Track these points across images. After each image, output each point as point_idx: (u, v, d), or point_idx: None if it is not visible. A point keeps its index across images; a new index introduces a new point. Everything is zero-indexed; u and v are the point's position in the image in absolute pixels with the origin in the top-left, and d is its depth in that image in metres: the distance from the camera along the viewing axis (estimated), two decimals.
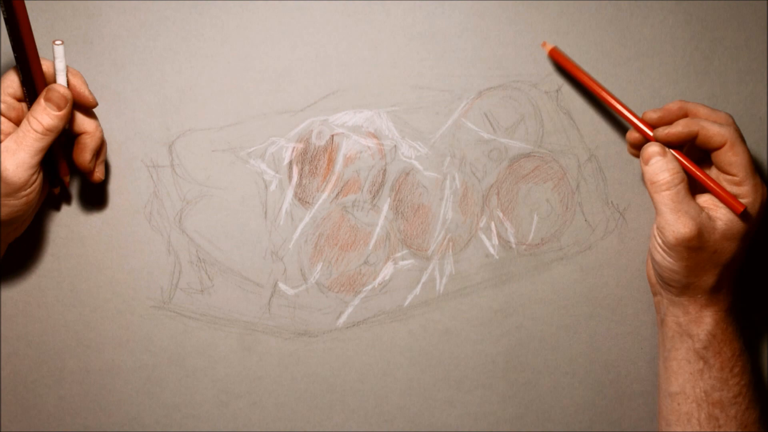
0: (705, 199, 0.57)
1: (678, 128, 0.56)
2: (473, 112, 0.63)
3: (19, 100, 0.55)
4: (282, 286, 0.63)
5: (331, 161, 0.62)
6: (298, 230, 0.62)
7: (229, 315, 0.62)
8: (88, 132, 0.57)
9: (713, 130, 0.55)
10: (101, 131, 0.58)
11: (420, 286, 0.63)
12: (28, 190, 0.54)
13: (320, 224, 0.62)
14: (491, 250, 0.64)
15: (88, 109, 0.57)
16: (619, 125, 0.63)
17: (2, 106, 0.54)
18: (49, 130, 0.54)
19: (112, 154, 0.61)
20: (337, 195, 0.62)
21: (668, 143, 0.57)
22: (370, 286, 0.63)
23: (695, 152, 0.59)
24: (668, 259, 0.57)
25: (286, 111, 0.62)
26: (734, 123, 0.57)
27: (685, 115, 0.58)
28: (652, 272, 0.61)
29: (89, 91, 0.56)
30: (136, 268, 0.62)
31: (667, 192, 0.55)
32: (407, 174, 0.63)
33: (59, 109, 0.54)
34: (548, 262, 0.64)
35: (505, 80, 0.63)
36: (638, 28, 0.63)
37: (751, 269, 0.64)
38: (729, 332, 0.57)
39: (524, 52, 0.63)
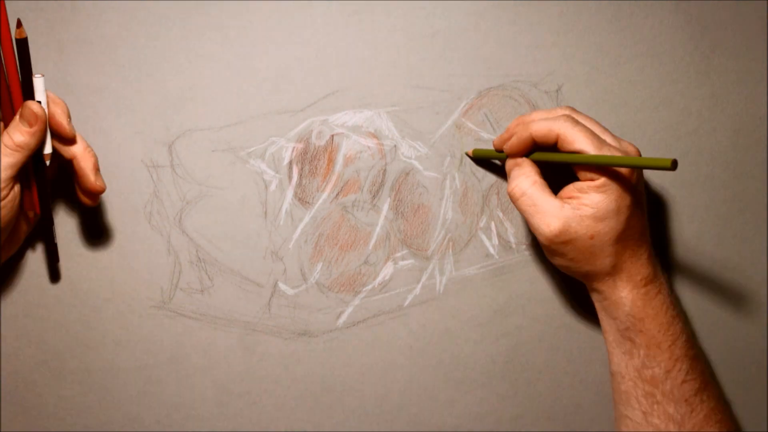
0: (569, 190, 0.56)
1: (513, 141, 0.57)
2: (473, 111, 0.63)
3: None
4: (282, 286, 0.63)
5: (331, 161, 0.62)
6: (298, 230, 0.62)
7: (229, 315, 0.62)
8: (77, 156, 0.56)
9: (542, 129, 0.55)
10: (91, 150, 0.57)
11: (420, 286, 0.63)
12: None
13: (320, 224, 0.62)
14: (491, 250, 0.64)
15: (68, 139, 0.56)
16: (621, 125, 0.63)
17: None
18: (19, 146, 0.54)
19: (112, 154, 0.61)
20: (337, 195, 0.62)
21: (515, 154, 0.58)
22: (370, 286, 0.63)
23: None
24: (552, 257, 0.58)
25: (286, 111, 0.62)
26: (571, 114, 0.56)
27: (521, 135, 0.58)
28: None
29: (68, 121, 0.56)
30: (135, 268, 0.62)
31: (520, 199, 0.56)
32: (407, 174, 0.63)
33: (30, 125, 0.54)
34: (548, 262, 0.64)
35: (505, 80, 0.63)
36: (638, 28, 0.63)
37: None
38: (651, 307, 0.56)
39: (524, 52, 0.63)
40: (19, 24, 0.53)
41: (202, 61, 0.61)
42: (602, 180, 0.54)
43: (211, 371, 0.63)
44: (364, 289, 0.63)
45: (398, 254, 0.63)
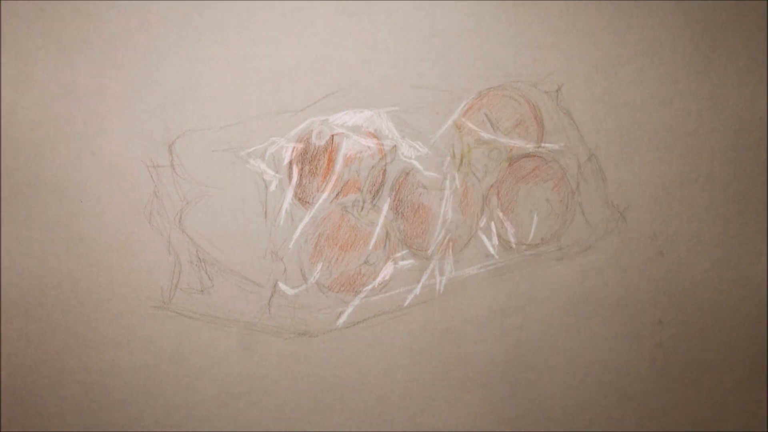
0: None
1: None
2: (473, 112, 0.63)
3: None
4: (282, 286, 0.63)
5: (331, 161, 0.62)
6: (298, 230, 0.62)
7: (229, 315, 0.62)
8: None
9: None
10: None
11: (420, 286, 0.63)
12: None
13: (320, 224, 0.62)
14: (491, 249, 0.64)
15: None
16: (621, 125, 0.63)
17: None
18: None
19: (112, 154, 0.61)
20: (337, 195, 0.62)
21: None
22: (370, 286, 0.63)
23: None
24: None
25: (286, 111, 0.62)
26: None
27: None
28: None
29: None
30: (136, 268, 0.62)
31: None
32: (407, 174, 0.63)
33: None
34: (548, 262, 0.64)
35: (505, 80, 0.63)
36: (638, 29, 0.63)
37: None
38: None
39: (524, 53, 0.63)
40: None
41: (203, 61, 0.61)
42: None
43: (211, 371, 0.63)
44: (364, 289, 0.63)
45: (398, 254, 0.63)
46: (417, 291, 0.63)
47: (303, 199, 0.62)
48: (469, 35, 0.62)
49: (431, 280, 0.63)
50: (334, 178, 0.62)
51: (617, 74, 0.63)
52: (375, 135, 0.62)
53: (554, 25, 0.62)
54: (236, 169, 0.62)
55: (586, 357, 0.64)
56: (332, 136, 0.62)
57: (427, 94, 0.62)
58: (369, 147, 0.62)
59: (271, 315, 0.63)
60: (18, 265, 0.61)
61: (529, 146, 0.63)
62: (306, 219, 0.62)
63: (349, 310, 0.63)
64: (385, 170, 0.63)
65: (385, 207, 0.63)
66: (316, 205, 0.62)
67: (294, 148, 0.62)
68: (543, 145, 0.63)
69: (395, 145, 0.63)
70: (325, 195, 0.62)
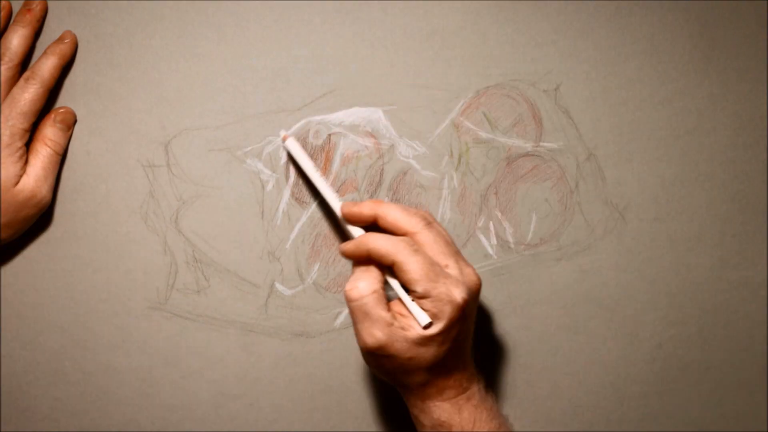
0: (400, 305, 0.54)
1: (350, 247, 0.55)
2: (471, 111, 0.62)
3: None
4: (279, 286, 0.62)
5: (328, 161, 0.62)
6: (296, 230, 0.62)
7: (226, 316, 0.62)
8: None
9: (380, 250, 0.53)
10: None
11: None
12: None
13: (317, 224, 0.62)
14: (490, 250, 0.64)
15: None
16: (620, 124, 0.63)
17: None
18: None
19: (108, 153, 0.61)
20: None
21: (349, 259, 0.56)
22: None
23: None
24: (367, 362, 0.56)
25: (283, 110, 0.61)
26: (420, 231, 0.54)
27: (375, 220, 0.56)
28: None
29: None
30: (131, 268, 0.61)
31: (354, 303, 0.53)
32: (405, 173, 0.63)
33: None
34: (547, 262, 0.64)
35: (503, 79, 0.62)
36: (637, 27, 0.63)
37: None
38: (458, 415, 0.55)
39: (522, 51, 0.62)
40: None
41: (199, 59, 0.61)
42: (434, 311, 0.53)
43: (208, 372, 0.62)
44: None
45: None
46: None
47: (300, 198, 0.62)
48: (467, 34, 0.62)
49: None
50: (331, 177, 0.62)
51: (616, 73, 0.63)
52: (372, 134, 0.62)
53: (553, 23, 0.62)
54: (233, 168, 0.61)
55: (586, 357, 0.64)
56: (329, 135, 0.62)
57: (424, 92, 0.62)
58: (366, 146, 0.62)
59: (268, 316, 0.62)
60: (12, 266, 0.61)
61: (528, 145, 0.63)
62: (303, 219, 0.62)
63: (347, 310, 0.63)
64: (382, 170, 0.62)
65: None
66: (314, 205, 0.62)
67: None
68: (541, 144, 0.63)
69: (393, 145, 0.62)
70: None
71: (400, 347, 0.53)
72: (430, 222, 0.55)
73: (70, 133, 0.60)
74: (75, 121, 0.60)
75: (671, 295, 0.65)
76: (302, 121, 0.62)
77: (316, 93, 0.61)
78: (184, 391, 0.62)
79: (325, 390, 0.63)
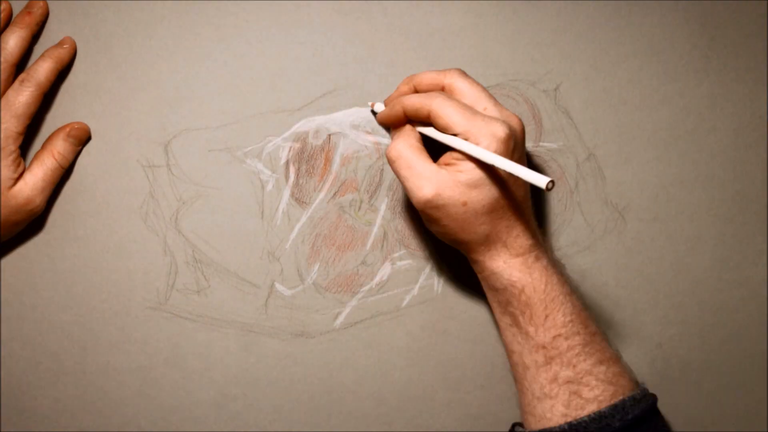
0: (447, 156, 0.55)
1: (386, 112, 0.58)
2: None
3: None
4: (279, 286, 0.62)
5: (328, 160, 0.62)
6: (295, 230, 0.62)
7: (226, 316, 0.62)
8: None
9: (414, 105, 0.55)
10: None
11: (418, 286, 0.63)
12: None
13: (317, 224, 0.62)
14: None
15: None
16: (619, 124, 0.63)
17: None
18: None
19: (108, 153, 0.61)
20: (334, 195, 0.62)
21: (387, 125, 0.59)
22: (367, 287, 0.63)
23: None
24: (429, 224, 0.57)
25: (282, 110, 0.61)
26: (453, 82, 0.56)
27: (415, 90, 0.58)
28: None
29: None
30: (131, 268, 0.61)
31: (396, 162, 0.55)
32: None
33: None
34: None
35: (502, 79, 0.62)
36: (637, 27, 0.63)
37: None
38: (529, 275, 0.55)
39: (522, 51, 0.62)
40: None
41: (199, 60, 0.61)
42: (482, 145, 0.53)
43: (208, 372, 0.62)
44: (361, 290, 0.63)
45: (396, 254, 0.63)
46: (415, 291, 0.63)
47: (300, 199, 0.62)
48: (467, 34, 0.62)
49: (429, 281, 0.63)
50: (331, 177, 0.62)
51: (616, 73, 0.63)
52: (372, 134, 0.62)
53: (552, 23, 0.62)
54: (233, 168, 0.61)
55: None
56: (329, 135, 0.62)
57: None
58: (366, 146, 0.62)
59: (267, 316, 0.62)
60: (12, 266, 0.61)
61: (528, 145, 0.63)
62: (303, 219, 0.62)
63: (347, 310, 0.63)
64: (382, 170, 0.62)
65: (383, 207, 0.63)
66: (313, 205, 0.62)
67: (291, 147, 0.62)
68: (541, 144, 0.63)
69: None
70: (322, 195, 0.62)
71: (452, 193, 0.53)
72: (463, 72, 0.56)
73: (79, 149, 0.60)
74: (89, 139, 0.60)
75: (671, 295, 0.64)
76: (302, 121, 0.62)
77: (316, 93, 0.61)
78: (184, 391, 0.62)
79: (324, 390, 0.63)
